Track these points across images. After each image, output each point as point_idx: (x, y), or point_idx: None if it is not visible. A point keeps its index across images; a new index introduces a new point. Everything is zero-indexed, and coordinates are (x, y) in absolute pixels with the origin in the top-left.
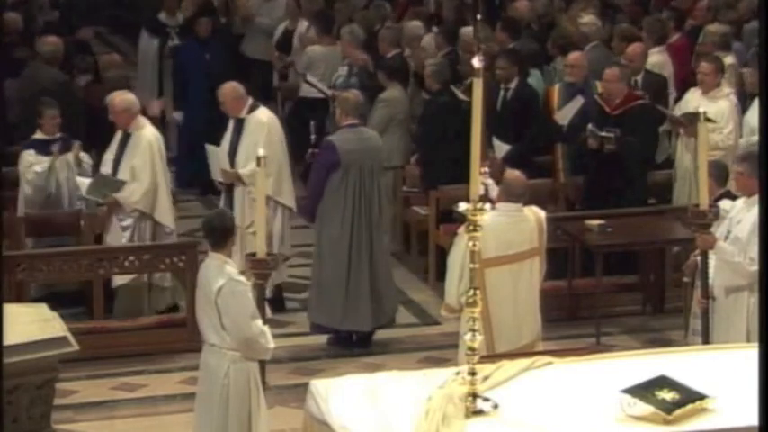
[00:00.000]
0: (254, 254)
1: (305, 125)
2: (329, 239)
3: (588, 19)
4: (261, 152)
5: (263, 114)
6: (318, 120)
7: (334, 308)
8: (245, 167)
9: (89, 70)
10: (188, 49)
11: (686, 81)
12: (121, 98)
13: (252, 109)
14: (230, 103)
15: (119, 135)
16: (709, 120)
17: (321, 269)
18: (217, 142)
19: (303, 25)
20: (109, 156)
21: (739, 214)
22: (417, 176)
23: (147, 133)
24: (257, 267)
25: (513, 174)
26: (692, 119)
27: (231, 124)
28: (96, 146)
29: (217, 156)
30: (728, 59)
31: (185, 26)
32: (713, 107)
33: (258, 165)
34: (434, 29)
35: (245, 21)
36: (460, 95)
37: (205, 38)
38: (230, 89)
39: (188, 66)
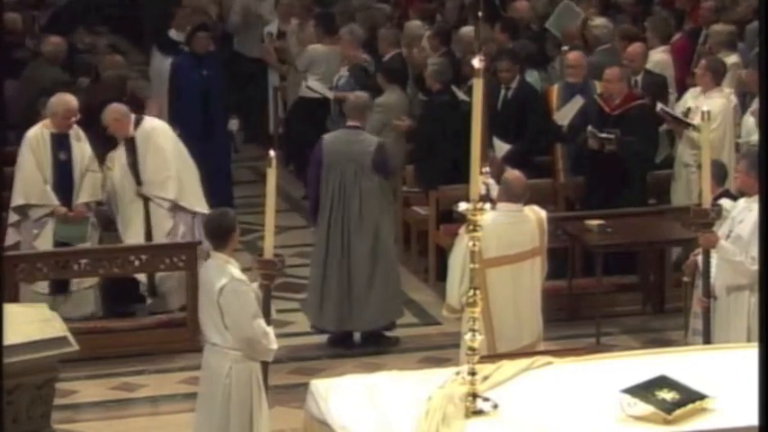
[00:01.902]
0: (260, 254)
1: (304, 125)
2: (316, 239)
3: (600, 21)
4: (272, 153)
5: (148, 123)
6: (318, 120)
7: (314, 307)
8: (156, 179)
9: (89, 70)
10: (184, 65)
11: (685, 81)
12: (64, 101)
13: (137, 123)
14: (114, 125)
15: (49, 138)
16: (691, 124)
17: (310, 268)
18: (210, 163)
19: (294, 24)
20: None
21: (741, 213)
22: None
23: (81, 133)
24: (264, 268)
25: (514, 174)
26: (675, 116)
27: (122, 147)
28: (95, 146)
29: None
30: (732, 58)
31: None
32: (709, 105)
33: (269, 165)
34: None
35: (244, 16)
36: (461, 95)
37: (202, 54)
38: (111, 111)
39: (183, 82)
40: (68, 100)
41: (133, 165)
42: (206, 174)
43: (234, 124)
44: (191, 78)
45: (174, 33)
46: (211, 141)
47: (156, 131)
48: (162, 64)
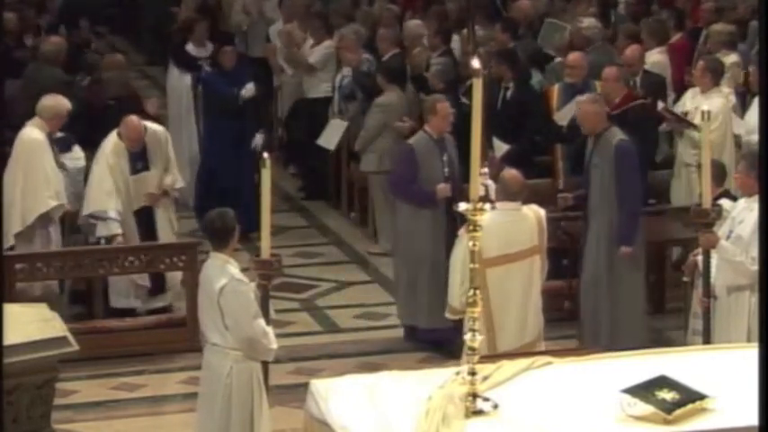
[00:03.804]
0: (257, 255)
1: (304, 125)
2: None
3: (588, 22)
4: (265, 154)
5: (152, 128)
6: (318, 120)
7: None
8: (167, 179)
9: (91, 70)
10: (213, 81)
11: (683, 82)
12: (62, 102)
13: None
14: (137, 139)
15: (47, 140)
16: (693, 124)
17: None
18: (245, 179)
19: (293, 24)
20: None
21: (741, 213)
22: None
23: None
24: (261, 268)
25: (510, 173)
26: (677, 116)
27: (127, 157)
28: (95, 145)
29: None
30: (732, 58)
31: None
32: (707, 105)
33: (263, 166)
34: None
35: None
36: (463, 100)
37: (231, 69)
38: (136, 126)
39: (214, 99)
40: (65, 102)
41: (144, 168)
42: (240, 189)
43: (259, 139)
44: (222, 95)
45: (192, 48)
46: (244, 156)
47: (166, 136)
48: (180, 80)
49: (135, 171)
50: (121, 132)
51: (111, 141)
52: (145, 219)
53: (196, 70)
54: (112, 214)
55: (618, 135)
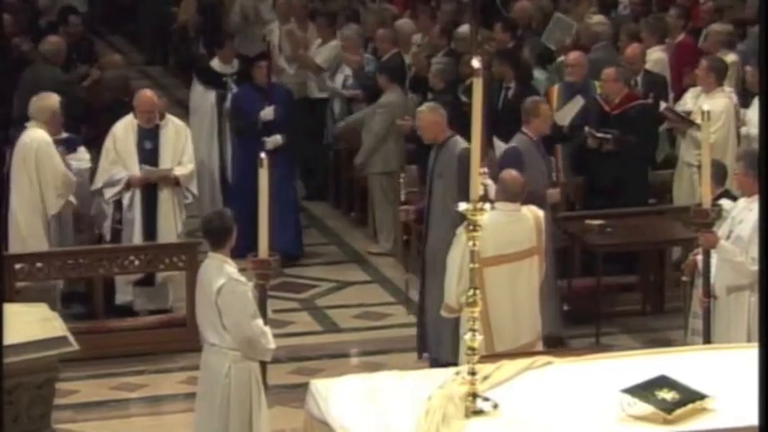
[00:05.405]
0: (255, 254)
1: (305, 124)
2: None
3: (598, 18)
4: (262, 154)
5: (174, 119)
6: (317, 119)
7: None
8: (180, 168)
9: (91, 66)
10: (245, 98)
11: (683, 81)
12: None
13: (161, 115)
14: (154, 111)
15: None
16: (696, 124)
17: None
18: (278, 201)
19: (292, 25)
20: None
21: (741, 213)
22: (416, 177)
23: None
24: (259, 268)
25: (510, 173)
26: (680, 116)
27: (136, 132)
28: (97, 145)
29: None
30: (731, 57)
31: (243, 73)
32: (711, 105)
33: (260, 165)
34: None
35: (244, 18)
36: (464, 99)
37: (263, 84)
38: (151, 96)
39: (246, 116)
40: (54, 98)
41: (152, 148)
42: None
43: (275, 139)
44: (254, 112)
45: (217, 64)
46: (277, 177)
47: (186, 130)
48: (204, 98)
49: (143, 149)
50: (135, 108)
51: (126, 119)
52: (146, 214)
53: (221, 87)
54: (118, 176)
55: (461, 144)
